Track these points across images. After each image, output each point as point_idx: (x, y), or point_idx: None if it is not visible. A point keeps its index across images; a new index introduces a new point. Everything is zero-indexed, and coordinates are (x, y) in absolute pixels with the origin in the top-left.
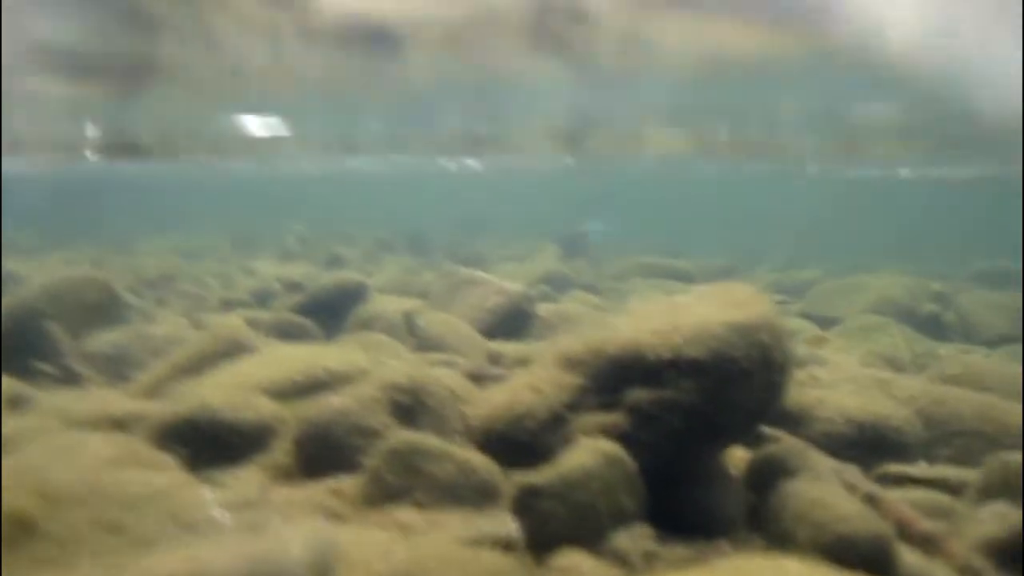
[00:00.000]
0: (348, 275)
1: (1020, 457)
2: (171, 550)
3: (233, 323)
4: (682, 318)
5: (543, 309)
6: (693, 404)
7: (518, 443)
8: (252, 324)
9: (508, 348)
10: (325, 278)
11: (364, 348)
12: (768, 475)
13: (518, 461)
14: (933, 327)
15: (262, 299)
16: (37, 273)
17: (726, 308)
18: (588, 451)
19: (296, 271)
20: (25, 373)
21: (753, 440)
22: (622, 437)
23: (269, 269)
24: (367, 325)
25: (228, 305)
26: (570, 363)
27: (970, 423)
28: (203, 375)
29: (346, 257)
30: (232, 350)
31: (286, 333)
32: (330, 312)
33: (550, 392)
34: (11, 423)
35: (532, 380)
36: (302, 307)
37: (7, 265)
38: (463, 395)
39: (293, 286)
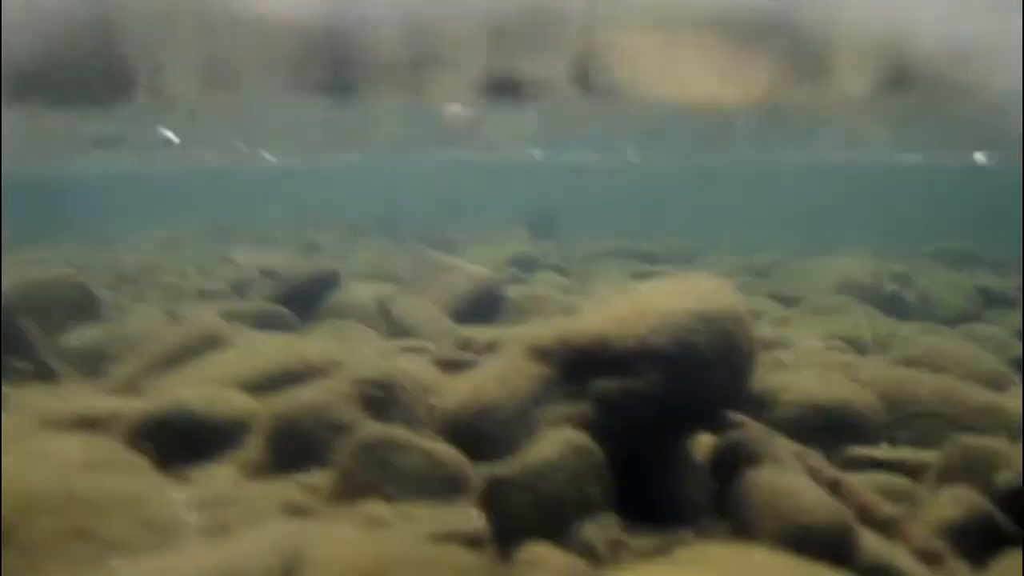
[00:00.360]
0: (322, 262)
1: (978, 440)
2: (139, 559)
3: (208, 316)
4: (647, 307)
5: (513, 292)
6: (659, 393)
7: (486, 434)
8: (228, 315)
9: (478, 333)
10: (301, 266)
11: (338, 336)
12: (733, 462)
13: (486, 452)
14: (894, 306)
15: (239, 288)
16: (11, 270)
17: (691, 297)
18: (555, 442)
19: (273, 259)
20: (1, 371)
21: (720, 426)
22: (589, 427)
23: (247, 258)
24: (341, 312)
25: (205, 296)
26: (537, 353)
27: (929, 405)
28: (178, 370)
29: (322, 243)
30: (208, 343)
31: (262, 323)
32: (305, 300)
33: (517, 382)
34: None
35: (499, 370)
36: (278, 296)
37: None
38: (433, 385)
39: (269, 274)
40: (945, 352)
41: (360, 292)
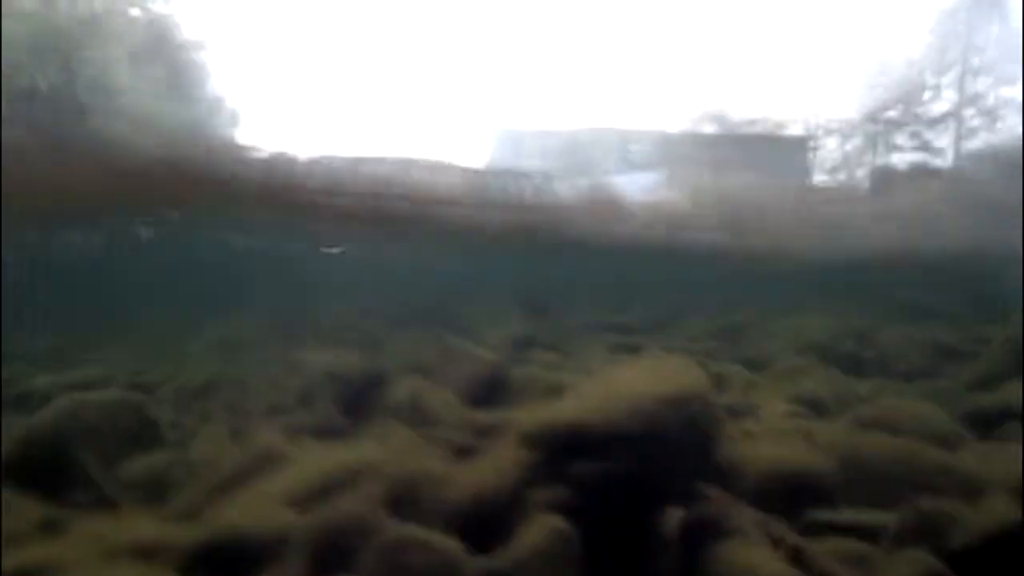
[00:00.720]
0: (374, 360)
1: (932, 502)
2: None
3: (270, 434)
4: (619, 393)
5: (515, 373)
6: (631, 474)
7: (483, 524)
8: (288, 428)
9: (487, 417)
10: (355, 365)
11: (378, 437)
12: (699, 536)
13: (483, 540)
14: (853, 365)
15: (301, 396)
16: (63, 391)
17: (659, 380)
18: (537, 530)
19: (335, 361)
20: (58, 497)
21: (689, 499)
22: (567, 509)
23: (310, 360)
24: (384, 410)
25: (268, 412)
26: (525, 441)
27: (886, 468)
28: (238, 493)
29: (374, 337)
30: (268, 463)
31: (318, 431)
32: (357, 400)
33: (510, 471)
34: (45, 550)
35: (495, 459)
36: (336, 398)
37: (27, 381)
38: (446, 477)
39: (329, 377)
40: (901, 413)
41: (397, 388)
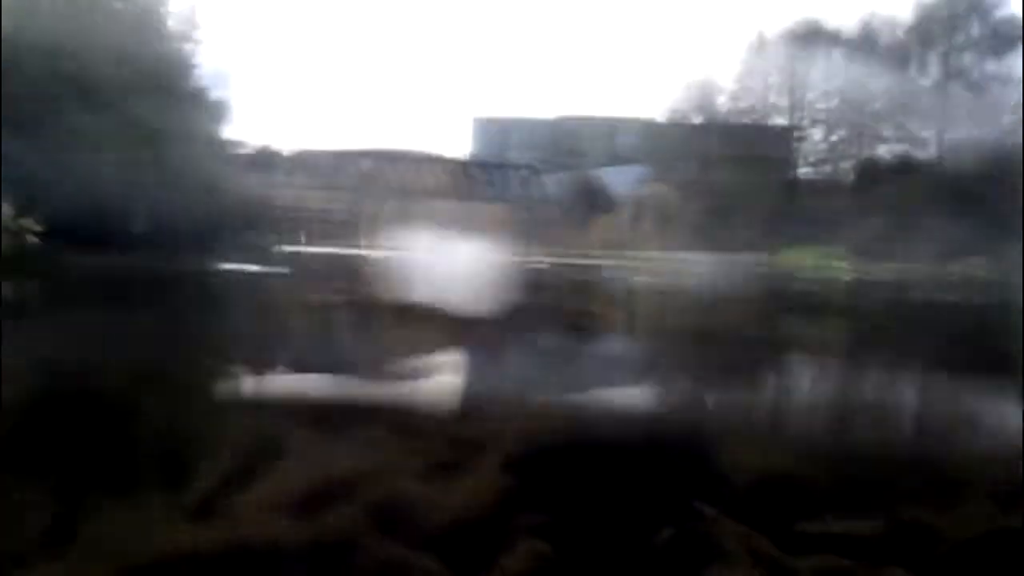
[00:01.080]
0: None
1: (911, 511)
2: None
3: (271, 423)
4: (607, 409)
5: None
6: (620, 492)
7: (466, 548)
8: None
9: (473, 430)
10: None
11: (368, 444)
12: (685, 555)
13: (466, 566)
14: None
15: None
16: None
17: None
18: (521, 555)
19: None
20: (72, 495)
21: (678, 515)
22: (554, 531)
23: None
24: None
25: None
26: (508, 459)
27: (868, 472)
28: (244, 489)
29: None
30: (270, 454)
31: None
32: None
33: (490, 494)
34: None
35: (477, 481)
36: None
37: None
38: (430, 497)
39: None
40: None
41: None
